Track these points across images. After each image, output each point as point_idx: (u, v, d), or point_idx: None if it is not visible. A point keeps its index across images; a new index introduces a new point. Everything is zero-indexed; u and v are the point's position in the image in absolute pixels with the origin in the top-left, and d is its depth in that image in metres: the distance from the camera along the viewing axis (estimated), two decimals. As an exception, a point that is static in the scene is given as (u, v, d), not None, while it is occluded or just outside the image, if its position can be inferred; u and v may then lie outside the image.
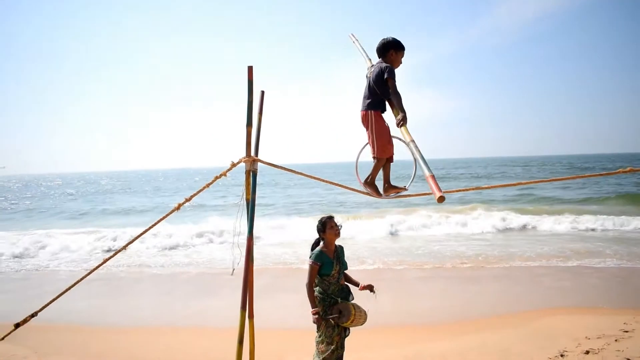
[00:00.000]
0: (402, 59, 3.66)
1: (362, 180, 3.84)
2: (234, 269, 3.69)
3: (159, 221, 4.12)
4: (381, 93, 3.53)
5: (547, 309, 7.61)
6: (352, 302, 4.17)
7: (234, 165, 3.73)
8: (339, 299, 4.09)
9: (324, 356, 4.04)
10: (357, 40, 4.26)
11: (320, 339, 4.12)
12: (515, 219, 17.53)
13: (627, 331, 6.16)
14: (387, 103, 3.62)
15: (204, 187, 3.86)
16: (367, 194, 3.83)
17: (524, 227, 16.73)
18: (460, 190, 4.13)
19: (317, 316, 4.00)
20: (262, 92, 3.85)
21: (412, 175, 3.73)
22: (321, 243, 4.24)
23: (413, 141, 3.19)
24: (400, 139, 3.60)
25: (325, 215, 4.32)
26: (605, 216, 17.01)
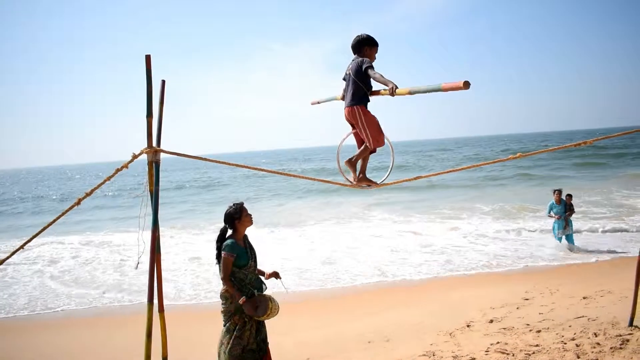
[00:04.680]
0: (376, 55, 3.78)
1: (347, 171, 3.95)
2: (138, 263, 3.61)
3: (60, 216, 3.92)
4: (363, 85, 3.65)
5: (456, 278, 8.35)
6: (267, 293, 3.98)
7: (135, 156, 3.61)
8: (255, 291, 3.90)
9: (229, 349, 3.80)
10: (319, 102, 4.57)
11: (229, 334, 3.87)
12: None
13: (527, 299, 6.75)
14: (369, 96, 3.73)
15: (105, 180, 3.71)
16: (355, 186, 3.91)
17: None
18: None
19: (244, 302, 3.76)
20: (163, 82, 3.74)
21: (390, 166, 3.95)
22: (230, 232, 4.02)
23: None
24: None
25: (235, 202, 4.07)
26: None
